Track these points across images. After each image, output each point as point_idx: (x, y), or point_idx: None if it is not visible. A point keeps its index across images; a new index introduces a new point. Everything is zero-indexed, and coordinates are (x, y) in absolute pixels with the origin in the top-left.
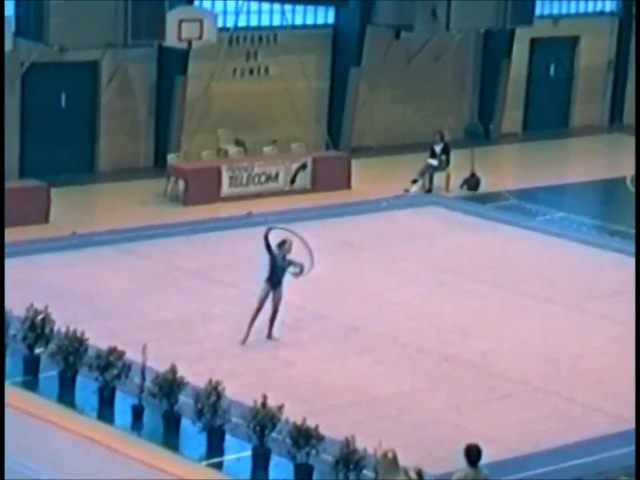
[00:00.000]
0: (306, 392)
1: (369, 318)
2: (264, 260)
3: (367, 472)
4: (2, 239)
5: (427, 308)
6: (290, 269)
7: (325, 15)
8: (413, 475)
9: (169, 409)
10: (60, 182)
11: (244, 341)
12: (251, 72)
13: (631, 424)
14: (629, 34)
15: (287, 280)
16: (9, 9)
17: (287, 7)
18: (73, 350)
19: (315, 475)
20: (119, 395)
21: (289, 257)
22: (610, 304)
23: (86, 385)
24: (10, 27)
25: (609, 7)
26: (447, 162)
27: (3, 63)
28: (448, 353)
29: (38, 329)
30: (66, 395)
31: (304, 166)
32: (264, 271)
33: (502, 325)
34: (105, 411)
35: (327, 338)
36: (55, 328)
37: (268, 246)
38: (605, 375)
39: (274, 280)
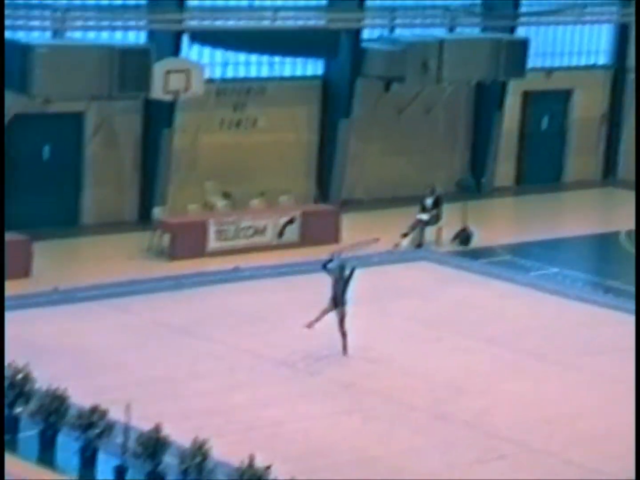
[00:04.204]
0: (295, 451)
1: (360, 375)
2: (253, 314)
3: None
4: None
5: (420, 365)
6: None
7: (315, 67)
8: None
9: (153, 469)
10: (43, 235)
11: (309, 325)
12: (239, 124)
13: None
14: (622, 86)
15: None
16: None
17: (276, 58)
18: (54, 409)
19: None
20: (101, 456)
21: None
22: (607, 361)
23: (67, 445)
24: None
25: (602, 59)
26: (439, 216)
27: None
28: (442, 411)
29: (18, 387)
30: (47, 455)
31: (292, 220)
32: (255, 325)
33: (496, 383)
34: (87, 472)
35: (317, 395)
36: (36, 386)
37: (325, 268)
38: (603, 435)
39: (335, 299)
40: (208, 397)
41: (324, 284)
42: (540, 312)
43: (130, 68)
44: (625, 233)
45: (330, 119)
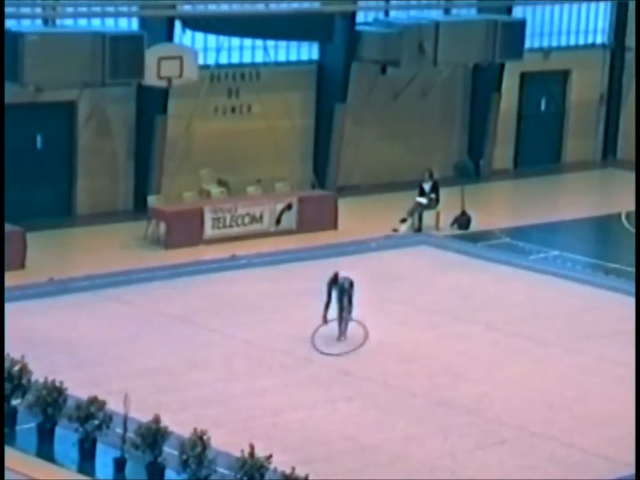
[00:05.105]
0: (295, 440)
1: (359, 362)
2: (250, 302)
3: None
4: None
5: (419, 351)
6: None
7: (310, 51)
8: None
9: (152, 460)
10: (37, 226)
11: (339, 338)
12: (233, 110)
13: (632, 469)
14: (621, 66)
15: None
16: None
17: (270, 43)
18: (52, 401)
19: None
20: (100, 447)
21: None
22: (608, 344)
23: (66, 437)
24: None
25: (600, 39)
26: (437, 200)
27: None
28: (441, 397)
29: (15, 379)
30: (45, 448)
31: (289, 206)
32: (252, 314)
33: (496, 368)
34: (86, 464)
35: (315, 383)
36: (33, 378)
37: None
38: (604, 418)
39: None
40: (206, 387)
41: (321, 271)
42: (540, 295)
43: (122, 55)
44: (625, 214)
45: (325, 103)
